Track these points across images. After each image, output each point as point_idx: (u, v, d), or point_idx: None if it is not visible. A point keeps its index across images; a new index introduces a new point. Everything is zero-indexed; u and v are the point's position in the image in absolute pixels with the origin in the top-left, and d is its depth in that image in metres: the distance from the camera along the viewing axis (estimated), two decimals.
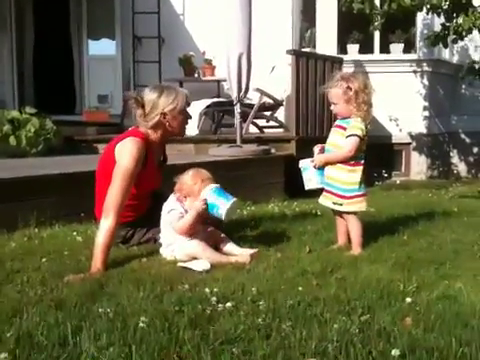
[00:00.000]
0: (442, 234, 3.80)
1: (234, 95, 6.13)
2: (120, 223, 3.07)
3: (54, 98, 8.33)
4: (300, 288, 2.44)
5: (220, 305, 2.21)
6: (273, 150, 6.20)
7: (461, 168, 9.41)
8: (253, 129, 7.66)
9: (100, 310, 2.17)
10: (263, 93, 7.44)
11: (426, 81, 8.75)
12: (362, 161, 3.30)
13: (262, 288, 2.45)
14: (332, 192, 3.32)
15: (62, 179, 4.10)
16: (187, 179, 3.15)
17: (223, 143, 6.25)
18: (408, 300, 2.29)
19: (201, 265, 2.83)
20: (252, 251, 3.17)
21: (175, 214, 3.12)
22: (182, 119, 3.35)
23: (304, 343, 1.88)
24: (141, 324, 2.00)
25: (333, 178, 3.31)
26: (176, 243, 3.08)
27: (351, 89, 3.23)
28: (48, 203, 3.89)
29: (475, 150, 9.48)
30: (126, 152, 3.13)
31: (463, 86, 9.15)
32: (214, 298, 2.29)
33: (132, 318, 2.09)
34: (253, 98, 7.34)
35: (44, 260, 2.98)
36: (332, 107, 3.36)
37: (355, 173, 3.28)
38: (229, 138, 6.42)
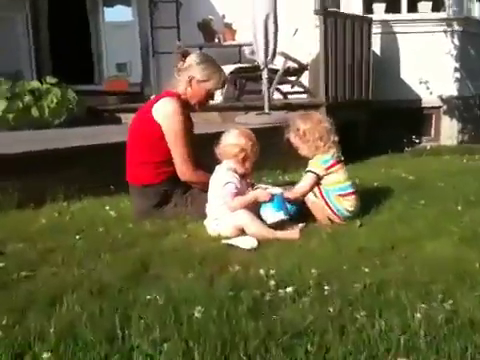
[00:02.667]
0: None
1: (261, 60, 5.81)
2: (155, 182, 3.14)
3: (72, 68, 8.06)
4: (365, 269, 2.19)
5: (280, 291, 1.97)
6: None
7: None
8: (276, 95, 7.34)
9: (148, 297, 1.95)
10: (287, 57, 7.08)
11: (457, 41, 8.31)
12: (350, 190, 3.18)
13: (321, 269, 2.21)
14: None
15: (90, 151, 3.87)
16: (237, 139, 3.03)
17: (250, 110, 5.95)
18: None
19: (249, 242, 2.60)
20: (300, 225, 2.94)
21: (231, 188, 2.91)
22: (203, 96, 3.30)
23: (385, 336, 1.64)
24: (196, 314, 1.78)
25: None
26: (223, 217, 2.87)
27: (299, 130, 3.21)
28: (75, 176, 3.67)
29: None
30: (171, 112, 3.15)
31: None
32: (272, 282, 2.05)
33: (184, 306, 1.87)
34: (277, 63, 7.02)
35: (78, 237, 2.77)
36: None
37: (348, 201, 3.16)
38: (256, 105, 6.13)
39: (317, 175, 3.12)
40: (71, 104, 5.76)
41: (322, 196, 3.13)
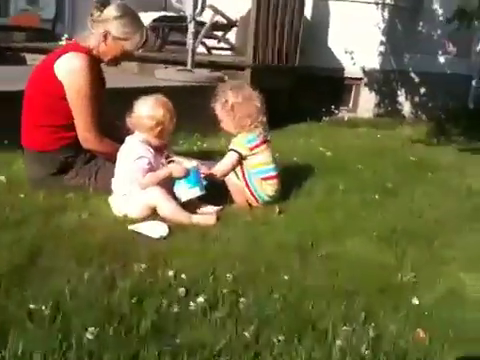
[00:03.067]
0: (415, 195, 3.48)
1: (189, 11, 5.41)
2: (54, 148, 2.77)
3: None
4: (285, 276, 2.00)
5: (191, 303, 1.74)
6: (226, 78, 5.59)
7: (406, 108, 9.18)
8: (201, 49, 6.96)
9: (32, 306, 1.63)
10: (216, 11, 6.72)
11: (386, 14, 8.25)
12: (273, 173, 2.97)
13: (237, 271, 2.00)
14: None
15: None
16: (153, 111, 2.68)
17: (171, 65, 5.56)
18: (415, 302, 1.92)
19: (158, 230, 2.33)
20: (216, 208, 2.71)
21: (143, 163, 2.60)
22: (118, 55, 2.91)
23: None
24: (89, 336, 1.50)
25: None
26: (132, 193, 2.57)
27: (228, 102, 2.94)
28: None
29: (422, 91, 9.25)
30: (77, 68, 2.72)
31: (421, 23, 8.75)
32: (181, 289, 1.81)
33: (76, 321, 1.57)
34: (204, 16, 6.62)
35: None
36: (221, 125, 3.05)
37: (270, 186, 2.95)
38: (177, 59, 5.73)
39: (240, 155, 2.88)
40: None
41: (244, 178, 2.90)
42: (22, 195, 2.61)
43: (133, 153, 2.61)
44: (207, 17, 6.55)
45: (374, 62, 8.25)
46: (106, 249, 2.08)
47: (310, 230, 2.55)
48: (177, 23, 6.51)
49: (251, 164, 2.90)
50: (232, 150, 2.90)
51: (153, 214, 2.52)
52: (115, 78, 5.13)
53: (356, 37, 7.82)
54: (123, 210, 2.54)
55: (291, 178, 3.32)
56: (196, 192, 2.65)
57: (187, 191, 2.64)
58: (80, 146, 2.80)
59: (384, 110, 8.59)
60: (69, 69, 2.71)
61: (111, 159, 2.75)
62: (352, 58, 8.19)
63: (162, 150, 2.79)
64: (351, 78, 8.23)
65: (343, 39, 7.83)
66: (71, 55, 2.74)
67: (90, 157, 2.86)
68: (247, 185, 2.89)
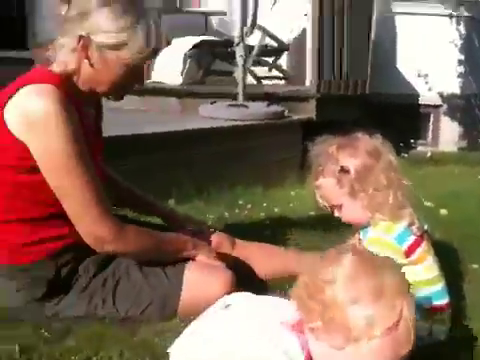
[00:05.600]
0: None
1: (236, 32, 4.32)
2: (41, 257, 1.61)
3: None
4: None
5: None
6: (286, 112, 4.43)
7: None
8: (249, 79, 5.89)
9: None
10: (266, 32, 5.65)
11: (462, 28, 7.09)
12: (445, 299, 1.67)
13: None
14: None
15: None
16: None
17: (218, 98, 4.45)
18: None
19: None
20: None
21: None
22: (118, 78, 1.64)
23: None
24: None
25: None
26: None
27: (348, 171, 1.62)
28: None
29: None
30: (43, 119, 1.50)
31: None
32: None
33: None
34: (252, 39, 5.57)
35: None
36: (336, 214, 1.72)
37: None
38: (224, 92, 4.63)
39: None
40: None
41: None
42: None
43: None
44: (254, 41, 5.51)
45: (453, 86, 7.07)
46: None
47: None
48: (221, 48, 5.45)
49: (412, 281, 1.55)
50: None
51: None
52: (148, 117, 4.08)
53: (429, 57, 6.68)
54: None
55: None
56: None
57: None
58: (85, 244, 1.61)
59: (468, 142, 7.34)
60: (28, 119, 1.51)
61: (145, 257, 1.63)
62: (426, 82, 7.04)
63: None
64: (428, 105, 7.07)
65: (414, 60, 6.73)
66: (29, 91, 1.53)
67: (105, 257, 1.69)
68: None
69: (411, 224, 1.61)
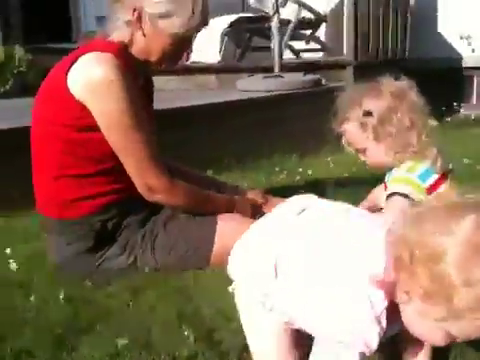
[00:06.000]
0: None
1: (270, 5, 4.41)
2: (87, 211, 1.76)
3: (47, 24, 6.65)
4: None
5: None
6: (324, 81, 4.50)
7: None
8: (287, 54, 5.93)
9: None
10: (302, 4, 5.67)
11: None
12: None
13: None
14: None
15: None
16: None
17: (255, 72, 4.56)
18: None
19: None
20: None
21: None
22: (168, 46, 1.79)
23: None
24: None
25: None
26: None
27: (371, 114, 1.65)
28: None
29: None
30: (101, 81, 1.67)
31: None
32: None
33: None
34: (287, 12, 5.60)
35: None
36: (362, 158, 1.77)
37: None
38: (262, 66, 4.74)
39: (407, 197, 1.62)
40: (21, 66, 4.37)
41: None
42: (32, 298, 1.61)
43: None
44: (291, 14, 5.54)
45: None
46: None
47: None
48: (258, 25, 5.52)
49: None
50: (396, 194, 1.64)
51: None
52: (189, 95, 4.24)
53: (472, 18, 6.52)
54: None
55: None
56: None
57: None
58: (128, 201, 1.80)
59: None
60: (92, 84, 1.67)
61: (189, 211, 1.81)
62: (469, 44, 6.89)
63: None
64: (471, 68, 6.92)
65: (456, 22, 6.58)
66: (90, 59, 1.70)
67: (148, 214, 1.86)
68: None
69: (434, 163, 1.66)
